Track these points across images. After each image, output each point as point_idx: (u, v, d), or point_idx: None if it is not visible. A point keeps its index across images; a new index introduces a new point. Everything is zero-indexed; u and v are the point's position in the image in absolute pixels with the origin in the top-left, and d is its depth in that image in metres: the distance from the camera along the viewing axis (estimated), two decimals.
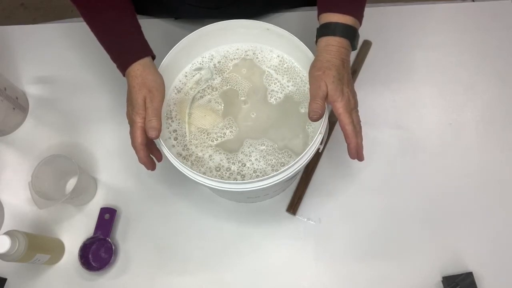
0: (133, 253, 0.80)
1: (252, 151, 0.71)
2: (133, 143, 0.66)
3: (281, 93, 0.74)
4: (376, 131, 0.86)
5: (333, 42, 0.65)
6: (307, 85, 0.74)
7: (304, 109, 0.73)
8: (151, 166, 0.68)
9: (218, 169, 0.70)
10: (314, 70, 0.65)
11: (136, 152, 0.66)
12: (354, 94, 0.66)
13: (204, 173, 0.69)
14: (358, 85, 0.90)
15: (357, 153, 0.66)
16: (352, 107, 0.64)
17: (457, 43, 0.93)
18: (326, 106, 0.65)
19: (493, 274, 0.76)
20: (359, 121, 0.65)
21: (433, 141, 0.86)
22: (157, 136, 0.64)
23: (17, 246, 0.67)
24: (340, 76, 0.64)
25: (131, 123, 0.66)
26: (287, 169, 0.63)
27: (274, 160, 0.70)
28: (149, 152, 0.68)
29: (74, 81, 0.93)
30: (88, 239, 0.79)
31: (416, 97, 0.89)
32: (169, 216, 0.82)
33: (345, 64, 0.65)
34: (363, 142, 0.87)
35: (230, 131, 0.72)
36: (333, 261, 0.79)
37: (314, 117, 0.62)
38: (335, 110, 0.63)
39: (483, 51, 0.92)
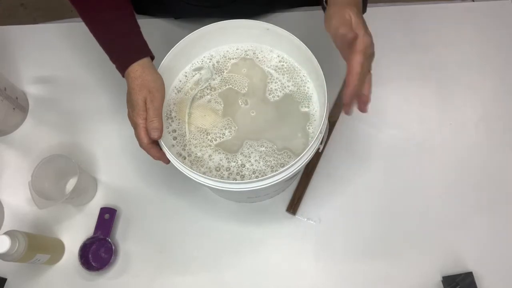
0: (133, 253, 0.80)
1: (252, 152, 0.71)
2: (141, 145, 0.66)
3: (281, 92, 0.74)
4: (376, 131, 0.86)
5: None
6: (307, 85, 0.74)
7: (304, 108, 0.73)
8: (167, 159, 0.67)
9: (218, 169, 0.70)
10: (333, 8, 0.61)
11: (147, 152, 0.67)
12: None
13: (204, 173, 0.69)
14: None
15: (352, 101, 0.59)
16: (371, 52, 0.59)
17: (457, 43, 0.93)
18: (327, 105, 0.65)
19: (493, 274, 0.76)
20: (369, 71, 0.60)
21: (433, 141, 0.86)
22: (160, 137, 0.64)
23: (17, 246, 0.68)
24: (360, 15, 0.61)
25: (134, 125, 0.66)
26: (287, 168, 0.63)
27: (273, 161, 0.70)
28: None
29: (74, 81, 0.93)
30: (88, 239, 0.79)
31: (416, 97, 0.89)
32: (169, 216, 0.82)
33: (361, 11, 0.62)
34: (362, 140, 0.87)
35: (229, 132, 0.72)
36: (333, 261, 0.79)
37: (349, 36, 0.57)
38: (355, 44, 0.58)
39: (483, 51, 0.92)
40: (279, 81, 0.75)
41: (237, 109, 0.74)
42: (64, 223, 0.82)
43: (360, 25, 0.59)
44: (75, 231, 0.82)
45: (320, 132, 0.65)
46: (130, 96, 0.67)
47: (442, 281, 0.76)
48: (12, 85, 0.88)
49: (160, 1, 0.91)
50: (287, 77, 0.75)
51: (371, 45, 0.59)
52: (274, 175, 0.63)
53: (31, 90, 0.93)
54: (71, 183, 0.84)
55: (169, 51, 0.71)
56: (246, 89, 0.75)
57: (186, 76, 0.77)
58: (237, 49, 0.78)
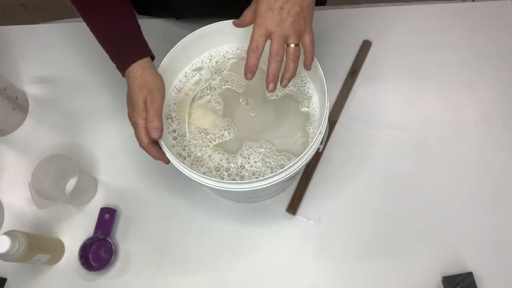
0: (133, 253, 0.80)
1: (251, 154, 0.71)
2: (141, 145, 0.66)
3: (281, 92, 0.74)
4: (376, 131, 0.86)
5: None
6: (307, 85, 0.74)
7: (304, 108, 0.73)
8: (167, 159, 0.67)
9: (217, 169, 0.70)
10: None
11: (147, 152, 0.67)
12: (295, 18, 0.59)
13: (204, 173, 0.69)
14: (358, 85, 0.90)
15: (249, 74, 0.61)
16: (275, 26, 0.58)
17: (457, 43, 0.93)
18: (327, 105, 0.65)
19: (493, 274, 0.76)
20: (278, 50, 0.59)
21: (433, 141, 0.86)
22: (160, 137, 0.64)
23: (17, 246, 0.68)
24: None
25: (134, 125, 0.66)
26: (287, 168, 0.63)
27: (273, 163, 0.70)
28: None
29: (74, 81, 0.93)
30: (88, 239, 0.79)
31: (416, 97, 0.89)
32: (169, 216, 0.82)
33: None
34: (362, 140, 0.87)
35: (228, 133, 0.72)
36: (333, 261, 0.79)
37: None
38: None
39: (483, 51, 0.92)
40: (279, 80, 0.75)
41: (237, 109, 0.74)
42: (64, 223, 0.82)
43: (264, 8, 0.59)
44: (75, 231, 0.82)
45: (320, 133, 0.65)
46: (130, 96, 0.67)
47: (442, 281, 0.76)
48: (12, 85, 0.88)
49: (162, 1, 0.91)
50: None
51: (257, 33, 0.60)
52: (274, 175, 0.63)
53: (31, 90, 0.93)
54: (71, 183, 0.84)
55: (169, 51, 0.71)
56: (246, 89, 0.75)
57: (186, 76, 0.77)
58: (237, 49, 0.78)
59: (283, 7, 0.58)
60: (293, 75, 0.62)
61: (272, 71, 0.60)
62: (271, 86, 0.60)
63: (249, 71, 0.61)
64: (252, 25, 0.62)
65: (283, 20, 0.59)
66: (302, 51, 0.63)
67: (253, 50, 0.60)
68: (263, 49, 0.60)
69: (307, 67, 0.63)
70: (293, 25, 0.59)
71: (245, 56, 0.77)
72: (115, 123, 0.88)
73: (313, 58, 0.63)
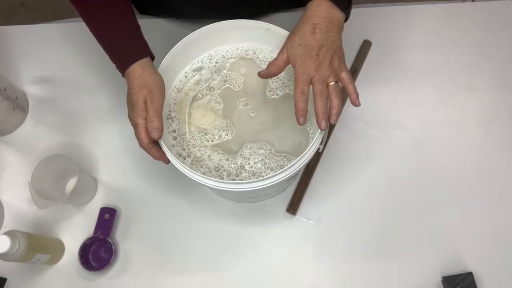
0: (133, 253, 0.80)
1: (251, 154, 0.71)
2: (141, 145, 0.66)
3: (281, 91, 0.74)
4: (376, 131, 0.86)
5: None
6: None
7: None
8: (167, 159, 0.67)
9: (217, 169, 0.70)
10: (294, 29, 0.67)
11: (147, 152, 0.67)
12: (331, 60, 0.64)
13: (203, 173, 0.69)
14: (358, 85, 0.89)
15: (300, 119, 0.65)
16: (313, 72, 0.64)
17: (457, 43, 0.93)
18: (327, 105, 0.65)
19: (493, 274, 0.76)
20: (321, 91, 0.63)
21: (433, 141, 0.86)
22: (160, 137, 0.64)
23: (17, 246, 0.68)
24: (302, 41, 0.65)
25: (134, 125, 0.66)
26: (287, 169, 0.63)
27: (273, 164, 0.70)
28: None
29: (74, 81, 0.93)
30: (88, 239, 0.79)
31: (416, 97, 0.89)
32: (169, 216, 0.82)
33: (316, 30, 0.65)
34: (362, 140, 0.87)
35: (227, 133, 0.72)
36: (333, 261, 0.79)
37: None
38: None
39: (483, 51, 0.92)
40: (280, 80, 0.75)
41: (237, 109, 0.74)
42: (64, 223, 0.82)
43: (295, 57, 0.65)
44: (75, 231, 0.82)
45: (320, 133, 0.65)
46: (130, 96, 0.67)
47: (442, 281, 0.76)
48: (12, 85, 0.88)
49: (162, 2, 0.91)
50: (288, 76, 0.75)
51: (303, 73, 0.64)
52: (274, 175, 0.63)
53: (31, 90, 0.93)
54: (71, 183, 0.84)
55: (169, 51, 0.71)
56: (246, 89, 0.75)
57: (186, 76, 0.77)
58: (237, 49, 0.78)
59: (319, 54, 0.64)
60: (339, 109, 0.64)
61: (321, 108, 0.63)
62: (323, 123, 0.63)
63: (301, 115, 0.64)
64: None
65: (320, 64, 0.64)
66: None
67: (300, 95, 0.64)
68: (308, 93, 0.64)
69: (355, 102, 0.66)
70: (330, 66, 0.64)
71: (246, 56, 0.77)
72: (115, 123, 0.88)
73: (356, 91, 0.66)
